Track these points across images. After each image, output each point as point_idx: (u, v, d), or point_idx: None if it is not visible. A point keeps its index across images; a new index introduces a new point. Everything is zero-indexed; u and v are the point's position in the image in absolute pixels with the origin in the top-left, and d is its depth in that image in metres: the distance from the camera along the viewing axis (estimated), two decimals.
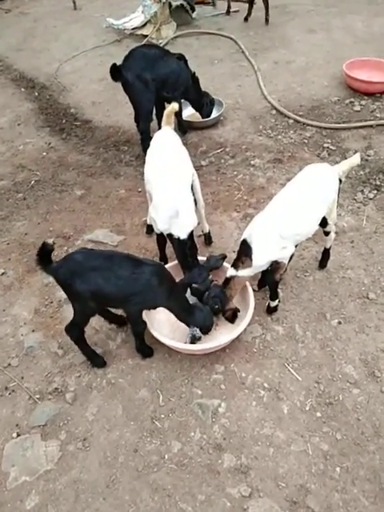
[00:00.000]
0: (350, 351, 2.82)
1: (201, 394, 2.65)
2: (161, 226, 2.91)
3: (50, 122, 5.27)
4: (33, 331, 3.06)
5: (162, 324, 2.97)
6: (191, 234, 2.87)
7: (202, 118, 4.91)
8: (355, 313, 3.04)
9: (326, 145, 4.57)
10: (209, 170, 4.43)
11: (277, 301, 2.98)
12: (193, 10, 7.01)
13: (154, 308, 2.71)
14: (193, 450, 2.43)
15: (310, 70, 5.77)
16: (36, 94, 5.82)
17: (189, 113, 5.01)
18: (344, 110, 5.06)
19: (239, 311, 2.82)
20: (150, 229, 3.63)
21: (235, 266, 2.70)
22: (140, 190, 4.16)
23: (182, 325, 2.80)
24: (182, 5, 6.81)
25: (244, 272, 2.69)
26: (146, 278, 2.48)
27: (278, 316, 3.03)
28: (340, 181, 2.85)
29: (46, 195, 4.25)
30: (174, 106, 3.26)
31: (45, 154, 4.78)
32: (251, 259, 2.63)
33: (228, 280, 2.74)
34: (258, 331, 2.94)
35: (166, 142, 3.14)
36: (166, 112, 3.28)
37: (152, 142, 3.19)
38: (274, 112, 5.13)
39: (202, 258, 3.07)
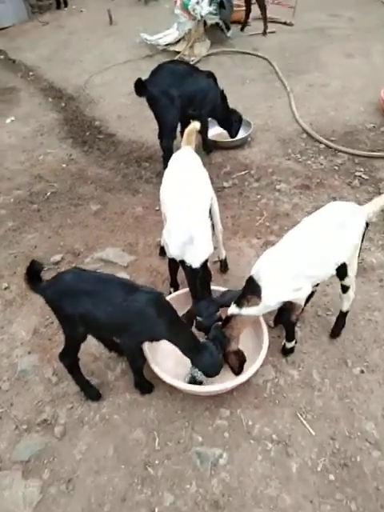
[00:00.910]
0: (371, 405, 2.51)
1: (201, 441, 2.39)
2: (173, 252, 2.70)
3: (74, 134, 5.18)
4: (29, 353, 2.87)
5: (166, 356, 2.73)
6: (205, 264, 2.64)
7: (230, 136, 4.72)
8: (380, 361, 2.74)
9: (358, 173, 4.30)
10: (231, 192, 4.22)
11: (293, 342, 2.71)
12: (228, 28, 6.90)
13: (155, 340, 2.48)
14: (187, 505, 2.16)
15: (345, 95, 5.54)
16: (63, 104, 5.77)
17: (215, 132, 4.83)
18: (379, 137, 4.80)
19: (244, 359, 2.52)
20: (163, 251, 3.43)
21: (239, 303, 2.41)
22: (157, 208, 3.97)
23: (188, 359, 2.56)
24: (217, 23, 6.71)
25: (249, 311, 2.40)
26: (139, 307, 2.25)
27: (294, 358, 2.75)
28: (367, 224, 2.51)
29: (60, 208, 4.11)
30: (196, 125, 3.07)
31: (64, 165, 4.67)
32: (259, 298, 2.36)
33: (229, 318, 2.46)
34: (270, 374, 2.66)
35: (184, 162, 2.95)
36: (186, 131, 3.10)
37: (170, 162, 3.00)
38: (304, 136, 4.90)
39: (220, 289, 2.84)
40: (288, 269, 2.35)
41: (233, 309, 2.43)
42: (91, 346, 2.85)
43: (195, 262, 2.60)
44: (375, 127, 4.96)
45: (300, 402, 2.54)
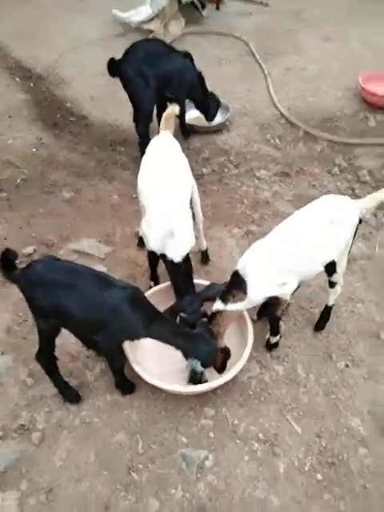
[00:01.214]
0: (357, 401, 2.50)
1: (186, 442, 2.32)
2: (153, 246, 2.57)
3: (44, 116, 4.89)
4: (1, 354, 2.71)
5: (147, 354, 2.64)
6: (187, 257, 2.53)
7: (207, 120, 4.56)
8: (364, 355, 2.72)
9: (337, 161, 4.24)
10: (210, 179, 4.10)
11: (278, 336, 2.66)
12: (203, 7, 6.65)
13: (135, 339, 2.36)
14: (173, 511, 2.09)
15: (323, 80, 5.43)
16: (31, 84, 5.43)
17: (192, 116, 4.66)
18: (358, 124, 4.74)
19: (229, 355, 2.43)
20: (141, 241, 3.28)
21: (225, 298, 2.33)
22: (135, 196, 3.78)
23: (171, 356, 2.45)
24: (192, 2, 6.45)
25: (234, 306, 2.32)
26: (114, 304, 2.13)
27: (279, 353, 2.70)
28: (360, 220, 2.44)
29: (31, 196, 3.89)
30: (174, 109, 2.92)
31: (34, 150, 4.41)
32: (245, 293, 2.28)
33: (214, 315, 2.36)
34: (255, 370, 2.61)
35: (163, 148, 2.80)
36: (165, 115, 2.94)
37: (148, 149, 2.85)
38: (283, 121, 4.79)
39: (204, 283, 2.73)
40: (275, 264, 2.28)
41: (218, 305, 2.34)
42: (69, 345, 2.72)
43: (177, 256, 2.49)
44: (354, 114, 4.88)
45: (285, 399, 2.50)
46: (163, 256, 2.57)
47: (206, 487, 2.16)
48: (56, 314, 2.19)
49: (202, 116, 4.53)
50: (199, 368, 2.35)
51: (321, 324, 2.80)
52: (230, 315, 2.36)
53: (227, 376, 2.37)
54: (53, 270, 2.18)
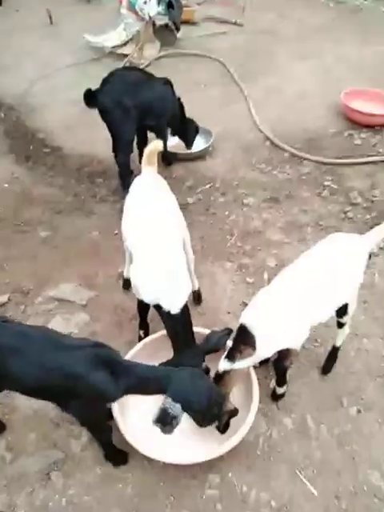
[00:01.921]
0: (373, 451, 2.27)
1: None
2: (146, 298, 2.32)
3: (16, 148, 4.65)
4: None
5: (138, 414, 2.36)
6: (185, 307, 2.27)
7: (187, 148, 4.38)
8: (376, 397, 2.50)
9: (326, 183, 4.09)
10: (196, 208, 3.89)
11: (285, 387, 2.41)
12: (178, 29, 6.55)
13: (111, 402, 2.07)
14: None
15: (304, 99, 5.33)
16: (2, 115, 5.20)
17: (173, 142, 4.47)
18: (343, 143, 4.61)
19: (237, 413, 2.13)
20: (127, 283, 3.04)
21: (231, 356, 2.07)
22: (116, 232, 3.56)
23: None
24: (166, 24, 6.34)
25: (242, 364, 2.08)
26: (71, 368, 1.82)
27: (286, 403, 2.46)
28: (369, 256, 2.25)
29: (4, 237, 3.61)
30: (158, 144, 2.71)
31: (6, 185, 4.15)
32: (253, 348, 2.04)
33: (221, 375, 2.10)
34: (261, 427, 2.35)
35: (148, 188, 2.57)
36: (147, 151, 2.72)
37: (132, 189, 2.61)
38: (267, 143, 4.64)
39: (202, 331, 2.48)
40: (285, 314, 2.05)
41: (225, 365, 2.07)
42: (50, 410, 2.43)
43: (174, 308, 2.23)
44: (338, 132, 4.77)
45: (297, 457, 2.25)
46: (157, 307, 2.31)
47: None
48: (6, 382, 1.93)
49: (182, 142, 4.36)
50: (174, 411, 1.80)
51: (328, 366, 2.58)
52: (238, 373, 2.11)
53: (233, 440, 2.10)
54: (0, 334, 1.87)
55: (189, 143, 4.34)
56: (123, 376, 1.88)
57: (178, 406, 1.79)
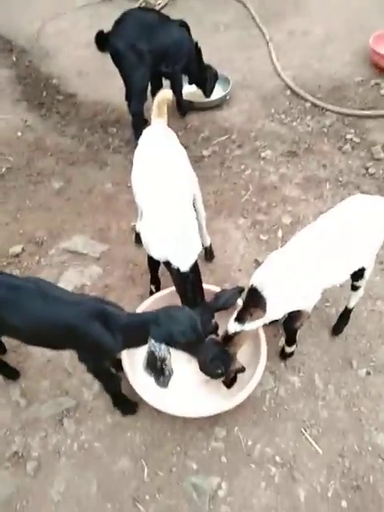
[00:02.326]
0: (381, 414, 2.29)
1: (196, 468, 2.12)
2: (155, 255, 2.30)
3: (28, 95, 4.51)
4: None
5: None
6: (195, 265, 2.24)
7: (205, 96, 4.19)
8: None
9: (348, 136, 3.90)
10: (211, 162, 3.77)
11: (294, 346, 2.41)
12: None
13: (111, 354, 2.12)
14: None
15: (330, 43, 4.99)
16: (14, 59, 5.01)
17: (189, 90, 4.29)
18: (368, 93, 4.35)
19: (244, 371, 2.18)
20: (139, 238, 3.00)
21: (241, 318, 2.04)
22: (129, 184, 3.47)
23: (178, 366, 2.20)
24: None
25: (253, 325, 2.05)
26: (66, 321, 1.84)
27: (294, 362, 2.47)
28: None
29: (18, 187, 3.59)
30: (167, 93, 2.57)
31: (20, 134, 4.06)
32: (264, 310, 2.02)
33: (230, 336, 2.07)
34: (269, 383, 2.38)
35: (158, 141, 2.47)
36: (156, 101, 2.59)
37: (141, 142, 2.52)
38: (288, 92, 4.41)
39: (213, 289, 2.47)
40: (298, 277, 2.01)
41: (234, 326, 2.05)
42: (63, 359, 2.49)
43: (183, 266, 2.20)
44: (364, 81, 4.49)
45: (303, 415, 2.28)
46: (167, 264, 2.29)
47: None
48: (4, 330, 2.02)
49: (199, 90, 4.17)
50: (160, 353, 1.73)
51: (339, 327, 2.56)
52: (248, 334, 2.09)
53: (240, 396, 2.14)
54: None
55: (207, 91, 4.14)
56: (119, 328, 1.86)
57: (163, 346, 1.74)
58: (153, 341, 1.75)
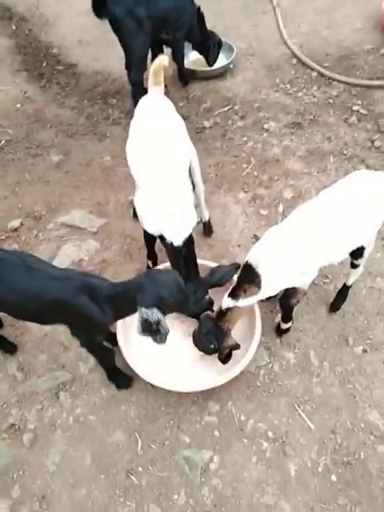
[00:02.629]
0: (375, 391, 2.28)
1: (189, 442, 2.14)
2: (149, 228, 2.26)
3: (28, 65, 4.42)
4: None
5: (145, 341, 2.42)
6: (189, 239, 2.20)
7: (208, 64, 4.06)
8: None
9: (355, 107, 3.77)
10: (213, 133, 3.68)
11: (290, 323, 2.40)
12: None
13: (103, 328, 2.07)
14: None
15: (339, 8, 4.77)
16: (13, 27, 4.89)
17: (191, 59, 4.16)
18: (378, 62, 4.18)
19: (239, 347, 2.16)
20: (136, 212, 2.97)
21: (235, 294, 2.02)
22: None
23: (173, 342, 2.22)
24: None
25: (247, 301, 2.03)
26: (53, 295, 1.82)
27: (289, 338, 2.46)
28: None
29: (16, 160, 3.55)
30: (163, 60, 2.48)
31: (19, 105, 4.00)
32: (258, 287, 1.98)
33: (224, 312, 2.06)
34: (263, 359, 2.38)
35: (154, 111, 2.40)
36: (152, 68, 2.51)
37: (136, 112, 2.45)
38: (294, 61, 4.26)
39: (207, 264, 2.45)
40: (294, 254, 1.96)
41: (228, 302, 2.03)
42: (60, 335, 2.51)
43: (177, 240, 2.17)
44: (374, 49, 4.31)
45: (297, 391, 2.28)
46: (162, 238, 2.26)
47: (211, 492, 2.01)
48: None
49: (202, 59, 4.04)
50: (152, 317, 1.70)
51: (337, 304, 2.53)
52: (241, 310, 2.07)
53: (233, 371, 2.14)
54: None
55: (210, 60, 4.01)
56: (105, 299, 1.84)
57: (155, 310, 1.70)
58: (144, 309, 1.71)
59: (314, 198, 2.13)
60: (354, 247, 2.10)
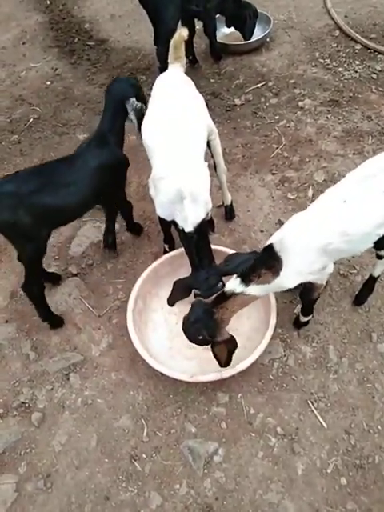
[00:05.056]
0: None
1: (195, 432, 2.09)
2: (160, 212, 2.19)
3: (60, 41, 4.39)
4: (6, 322, 2.55)
5: (158, 327, 2.39)
6: (201, 226, 2.09)
7: (244, 38, 3.86)
8: None
9: None
10: (243, 111, 3.52)
11: (310, 316, 2.27)
12: None
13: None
14: (175, 510, 1.92)
15: None
16: (48, 2, 4.86)
17: (224, 32, 3.98)
18: None
19: (235, 346, 1.96)
20: None
21: (246, 279, 1.83)
22: None
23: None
24: None
25: (255, 290, 1.85)
26: (94, 164, 2.24)
27: (308, 331, 2.33)
28: None
29: (43, 138, 3.55)
30: (183, 33, 2.35)
31: (49, 83, 3.99)
32: (275, 274, 1.82)
33: (225, 296, 1.86)
34: (277, 352, 2.27)
35: (171, 88, 2.29)
36: (172, 43, 2.38)
37: (154, 89, 2.35)
38: (337, 33, 3.98)
39: (224, 250, 2.35)
40: (320, 242, 1.80)
41: (235, 284, 1.83)
42: (75, 316, 2.51)
43: (188, 226, 2.08)
44: None
45: (311, 387, 2.17)
46: (174, 223, 2.18)
47: (214, 485, 1.95)
48: (50, 216, 2.15)
49: (237, 32, 3.84)
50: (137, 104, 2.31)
51: (362, 297, 2.36)
52: (246, 299, 1.88)
53: (243, 363, 2.05)
54: (24, 182, 2.08)
55: (246, 32, 3.81)
56: (110, 134, 2.39)
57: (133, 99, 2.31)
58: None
59: (343, 179, 1.96)
60: (379, 235, 1.91)
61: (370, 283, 2.33)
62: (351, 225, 1.82)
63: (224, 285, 2.13)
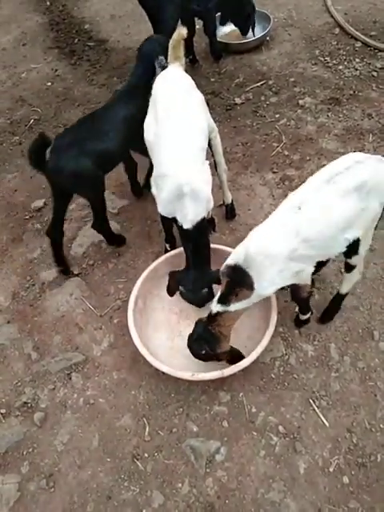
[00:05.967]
0: None
1: (196, 431, 2.09)
2: (161, 209, 2.19)
3: (60, 42, 4.40)
4: (8, 322, 2.56)
5: (159, 327, 2.39)
6: (200, 224, 2.10)
7: (242, 34, 3.87)
8: None
9: None
10: (244, 110, 3.52)
11: (309, 313, 2.26)
12: None
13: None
14: (177, 508, 1.92)
15: None
16: (48, 3, 4.87)
17: (225, 31, 3.97)
18: None
19: (238, 355, 2.03)
20: None
21: (225, 300, 1.85)
22: None
23: (186, 329, 2.21)
24: None
25: (238, 306, 1.86)
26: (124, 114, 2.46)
27: (309, 329, 2.33)
28: None
29: None
30: (181, 32, 2.35)
31: (49, 84, 4.00)
32: (250, 289, 1.82)
33: (214, 317, 1.90)
34: (279, 350, 2.27)
35: (172, 86, 2.29)
36: (171, 42, 2.38)
37: (153, 88, 2.35)
38: (337, 31, 3.98)
39: (227, 250, 2.35)
40: (283, 250, 1.79)
41: (216, 307, 1.88)
42: (76, 315, 2.51)
43: (187, 223, 2.08)
44: None
45: (313, 386, 2.16)
46: (175, 220, 2.18)
47: (215, 484, 1.95)
48: (102, 160, 2.40)
49: (236, 30, 3.84)
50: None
51: (327, 316, 2.32)
52: (235, 314, 1.91)
53: (245, 361, 2.04)
54: (70, 134, 2.38)
55: (244, 29, 3.82)
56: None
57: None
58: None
59: (303, 184, 1.95)
60: (350, 239, 1.86)
61: (337, 301, 2.28)
62: (310, 230, 1.80)
63: (211, 292, 2.15)
